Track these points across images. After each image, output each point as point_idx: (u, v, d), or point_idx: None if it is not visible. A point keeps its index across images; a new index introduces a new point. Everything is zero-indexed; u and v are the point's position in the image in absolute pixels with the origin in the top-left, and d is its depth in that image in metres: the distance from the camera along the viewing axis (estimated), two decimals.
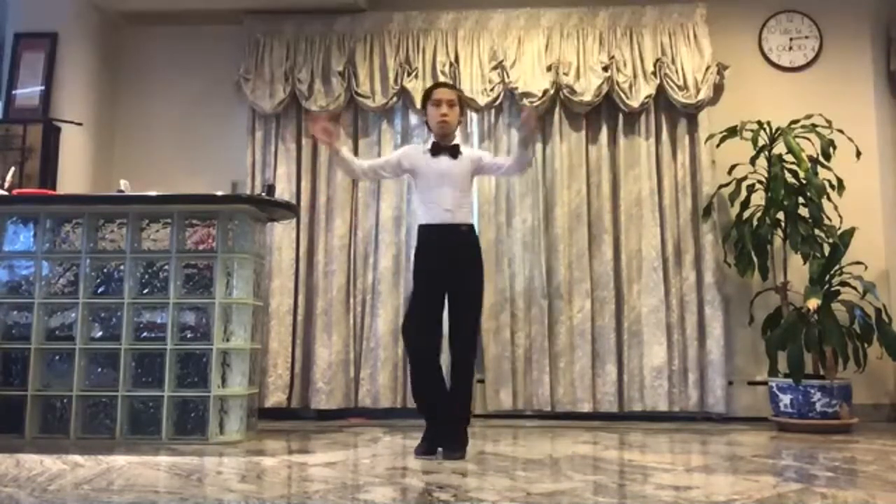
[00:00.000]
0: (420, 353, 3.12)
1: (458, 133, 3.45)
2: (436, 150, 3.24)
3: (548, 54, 4.72)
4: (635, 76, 4.65)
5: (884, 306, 4.09)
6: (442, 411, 3.13)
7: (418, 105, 4.66)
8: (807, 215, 4.28)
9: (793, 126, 4.30)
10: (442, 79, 4.69)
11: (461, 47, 4.77)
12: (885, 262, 4.57)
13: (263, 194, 3.87)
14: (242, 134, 4.87)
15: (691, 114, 4.64)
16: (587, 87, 4.62)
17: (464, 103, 3.46)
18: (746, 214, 4.36)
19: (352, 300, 4.65)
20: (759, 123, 4.35)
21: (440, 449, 3.09)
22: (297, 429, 4.04)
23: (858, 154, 4.27)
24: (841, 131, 4.29)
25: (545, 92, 4.62)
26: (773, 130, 4.34)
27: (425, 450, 3.10)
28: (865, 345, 4.07)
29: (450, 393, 3.13)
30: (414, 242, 4.54)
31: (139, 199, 3.66)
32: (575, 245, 4.60)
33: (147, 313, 3.63)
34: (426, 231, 3.21)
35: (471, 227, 3.23)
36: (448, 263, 3.14)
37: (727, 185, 4.45)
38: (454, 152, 3.24)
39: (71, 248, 3.69)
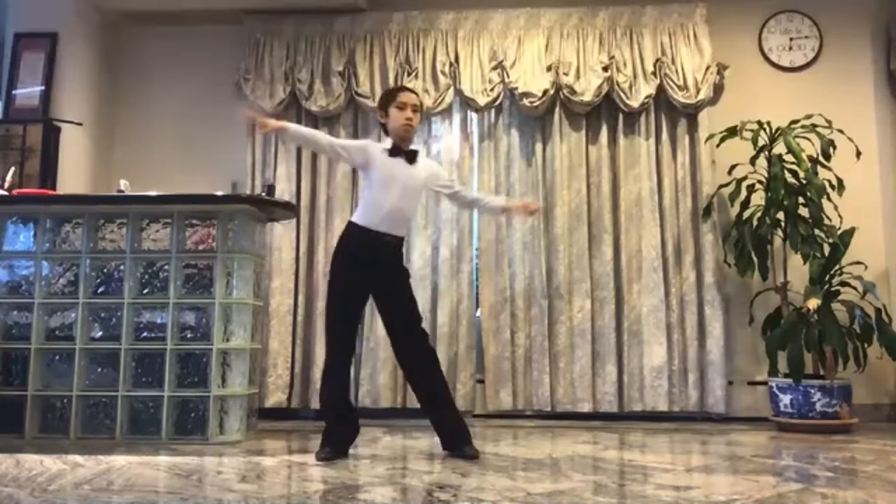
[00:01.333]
0: (344, 355, 3.13)
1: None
2: (394, 152, 3.17)
3: (548, 54, 4.72)
4: (635, 76, 4.65)
5: (884, 306, 4.09)
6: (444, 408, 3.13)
7: None
8: (807, 215, 4.28)
9: (793, 126, 4.30)
10: (442, 79, 4.70)
11: (461, 47, 4.77)
12: (885, 262, 4.57)
13: (263, 194, 3.88)
14: (242, 134, 4.86)
15: (691, 114, 4.64)
16: (587, 87, 4.62)
17: (423, 109, 3.46)
18: (746, 214, 4.36)
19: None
20: (759, 123, 4.35)
21: (447, 449, 3.09)
22: (297, 429, 4.04)
23: (858, 154, 4.27)
24: (841, 131, 4.29)
25: (545, 92, 4.62)
26: (773, 130, 4.34)
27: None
28: (865, 345, 4.07)
29: (438, 388, 3.12)
30: (415, 242, 4.65)
31: (139, 199, 3.66)
32: (575, 245, 4.60)
33: (147, 313, 3.63)
34: (359, 234, 3.12)
35: (402, 240, 3.21)
36: (375, 274, 3.10)
37: (727, 185, 4.45)
38: (411, 157, 3.19)
39: (71, 248, 3.69)
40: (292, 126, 3.28)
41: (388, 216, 3.10)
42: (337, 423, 3.11)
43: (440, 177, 3.37)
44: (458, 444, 3.07)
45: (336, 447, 3.05)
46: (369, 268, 3.09)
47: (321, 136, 3.33)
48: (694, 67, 4.62)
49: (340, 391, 3.14)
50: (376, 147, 3.24)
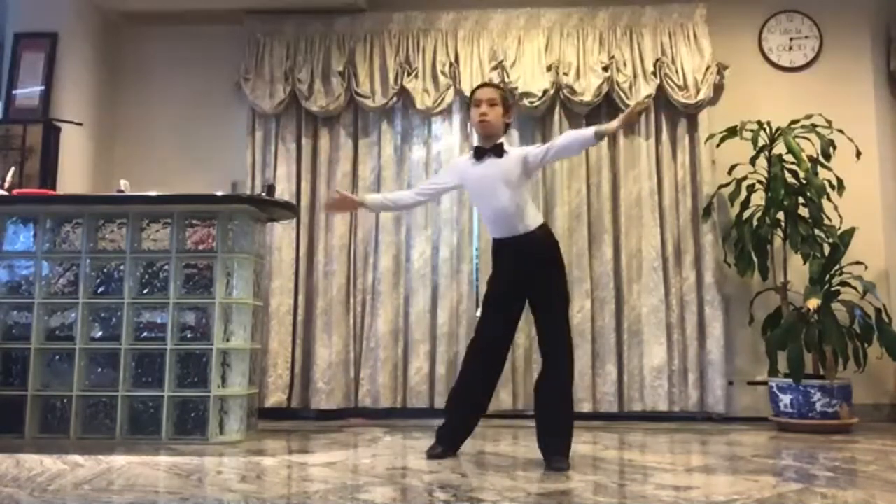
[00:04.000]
0: (476, 357, 3.10)
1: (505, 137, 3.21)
2: (479, 154, 3.09)
3: (548, 54, 4.72)
4: (635, 76, 4.65)
5: (884, 306, 4.10)
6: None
7: (418, 105, 4.68)
8: (807, 215, 4.28)
9: (793, 126, 4.30)
10: (442, 79, 4.70)
11: (461, 47, 4.77)
12: (885, 262, 4.57)
13: (263, 194, 3.87)
14: (242, 134, 4.87)
15: (691, 114, 4.65)
16: (587, 87, 4.62)
17: (509, 103, 3.23)
18: (746, 214, 4.36)
19: (352, 300, 4.65)
20: (759, 123, 4.35)
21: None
22: (297, 429, 4.04)
23: (858, 154, 4.27)
24: (841, 131, 4.29)
25: (545, 92, 4.62)
26: (773, 130, 4.34)
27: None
28: (865, 345, 4.07)
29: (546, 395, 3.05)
30: (415, 243, 4.65)
31: (139, 199, 3.66)
32: (575, 245, 4.60)
33: (147, 313, 3.63)
34: (498, 245, 3.09)
35: (539, 227, 3.03)
36: (525, 271, 3.01)
37: (727, 185, 4.45)
38: (498, 152, 3.06)
39: (71, 248, 3.69)
40: (367, 196, 3.37)
41: (495, 223, 3.06)
42: (451, 419, 3.13)
43: (529, 155, 3.05)
44: (547, 453, 2.94)
45: (445, 444, 3.09)
46: (511, 272, 3.04)
47: (406, 194, 3.34)
48: (694, 67, 4.62)
49: (462, 390, 3.12)
50: (462, 159, 3.23)
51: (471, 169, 3.11)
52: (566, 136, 3.02)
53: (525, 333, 4.54)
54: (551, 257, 3.03)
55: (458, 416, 3.14)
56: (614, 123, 2.92)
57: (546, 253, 3.03)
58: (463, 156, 3.36)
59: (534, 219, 3.05)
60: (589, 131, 2.93)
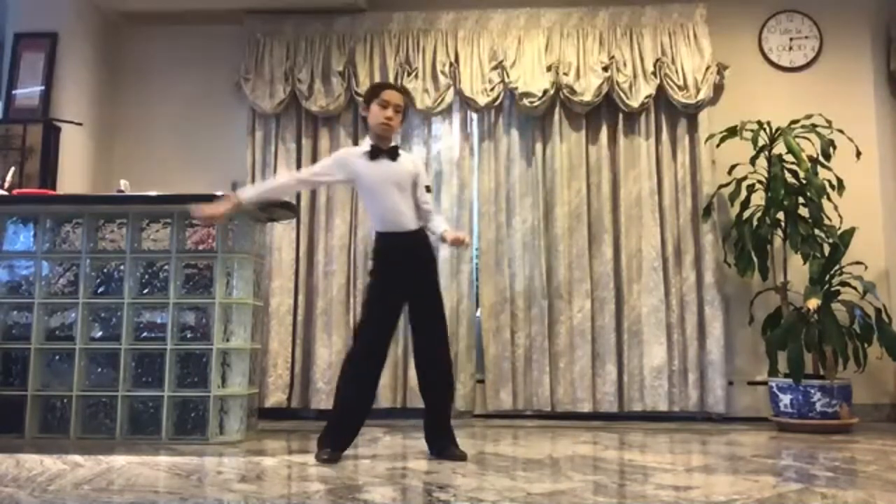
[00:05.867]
0: (379, 359, 3.08)
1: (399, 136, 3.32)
2: (374, 154, 3.09)
3: (548, 54, 4.72)
4: (635, 76, 4.65)
5: (884, 306, 4.10)
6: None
7: (418, 105, 4.68)
8: (807, 215, 4.28)
9: (793, 126, 4.30)
10: (442, 79, 4.70)
11: (461, 47, 4.77)
12: (885, 262, 4.57)
13: None
14: (242, 134, 4.87)
15: (691, 114, 4.65)
16: (587, 87, 4.62)
17: (407, 111, 3.36)
18: (746, 214, 4.36)
19: (352, 300, 4.65)
20: (759, 123, 4.35)
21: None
22: (297, 429, 4.03)
23: (858, 154, 4.27)
24: (841, 131, 4.29)
25: (545, 92, 4.62)
26: (773, 130, 4.34)
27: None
28: (865, 345, 4.07)
29: (442, 391, 3.12)
30: None
31: (139, 199, 3.66)
32: (575, 245, 4.60)
33: (147, 313, 3.63)
34: (388, 239, 3.10)
35: (417, 232, 3.13)
36: (412, 270, 3.08)
37: (727, 185, 4.44)
38: (393, 154, 3.11)
39: (71, 248, 3.69)
40: (244, 193, 3.17)
41: (390, 219, 3.08)
42: (345, 427, 3.07)
43: (421, 175, 3.21)
44: (449, 445, 3.04)
45: (337, 448, 3.02)
46: (400, 268, 3.07)
47: (283, 178, 3.29)
48: (694, 67, 4.62)
49: (366, 399, 3.08)
50: (354, 154, 3.16)
51: (364, 166, 3.10)
52: (434, 218, 3.21)
53: (525, 333, 4.55)
54: (433, 256, 3.17)
55: (359, 420, 3.11)
56: (449, 234, 3.15)
57: (429, 252, 3.15)
58: (353, 150, 3.31)
59: (418, 221, 3.14)
60: (439, 230, 3.16)
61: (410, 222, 3.11)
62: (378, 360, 3.08)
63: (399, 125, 3.21)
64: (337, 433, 3.04)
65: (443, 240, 3.16)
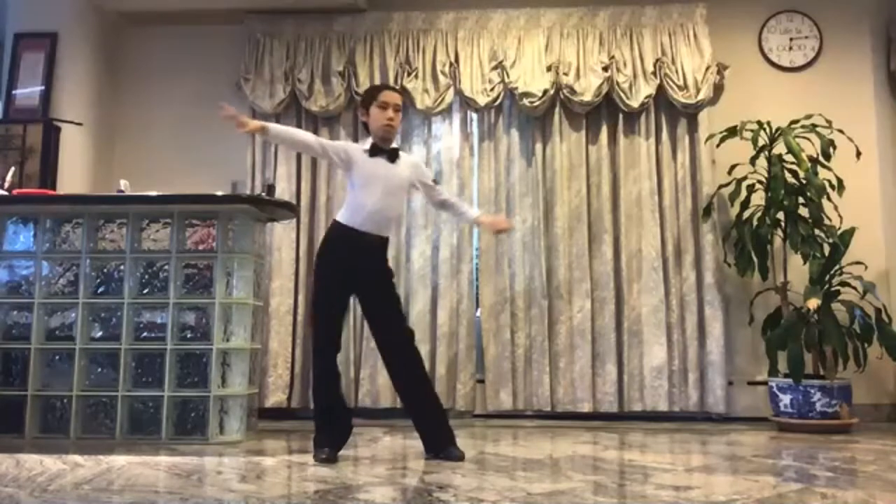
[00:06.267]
0: (333, 354, 3.10)
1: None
2: (374, 152, 3.11)
3: (548, 54, 4.72)
4: (635, 76, 4.65)
5: (884, 306, 4.10)
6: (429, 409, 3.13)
7: (418, 105, 4.68)
8: (807, 215, 4.28)
9: (793, 126, 4.30)
10: (442, 79, 4.70)
11: (461, 47, 4.77)
12: (885, 262, 4.57)
13: (263, 194, 3.87)
14: (242, 134, 4.85)
15: (691, 114, 4.65)
16: (587, 87, 4.62)
17: (406, 109, 3.36)
18: (746, 214, 4.36)
19: (351, 300, 4.63)
20: (759, 123, 4.35)
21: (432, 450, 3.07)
22: (297, 429, 4.03)
23: (858, 154, 4.27)
24: (841, 131, 4.29)
25: (545, 92, 4.62)
26: (773, 130, 4.34)
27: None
28: (865, 345, 4.07)
29: (422, 389, 3.12)
30: (415, 242, 4.65)
31: (139, 199, 3.66)
32: (575, 245, 4.60)
33: (147, 313, 3.63)
34: (343, 234, 3.09)
35: (386, 240, 3.16)
36: (358, 274, 3.08)
37: (727, 185, 4.44)
38: (392, 156, 3.13)
39: (71, 248, 3.69)
40: (273, 126, 3.18)
41: (371, 217, 3.07)
42: (332, 423, 3.07)
43: (423, 173, 3.29)
44: (442, 445, 3.03)
45: (334, 447, 3.03)
46: (353, 268, 3.07)
47: (305, 133, 3.30)
48: (694, 67, 4.62)
49: (335, 389, 3.12)
50: (356, 148, 3.18)
51: (362, 159, 3.11)
52: (456, 202, 3.35)
53: (525, 333, 4.55)
54: (387, 267, 3.20)
55: (345, 416, 3.14)
56: (486, 221, 3.31)
57: (385, 262, 3.19)
58: (357, 144, 3.33)
59: (392, 230, 3.21)
60: (473, 214, 3.33)
61: (386, 229, 3.16)
62: (335, 349, 3.12)
63: (399, 125, 3.24)
64: (327, 430, 3.06)
65: (477, 224, 3.18)
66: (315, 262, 3.22)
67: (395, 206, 3.20)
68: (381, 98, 3.12)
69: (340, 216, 3.14)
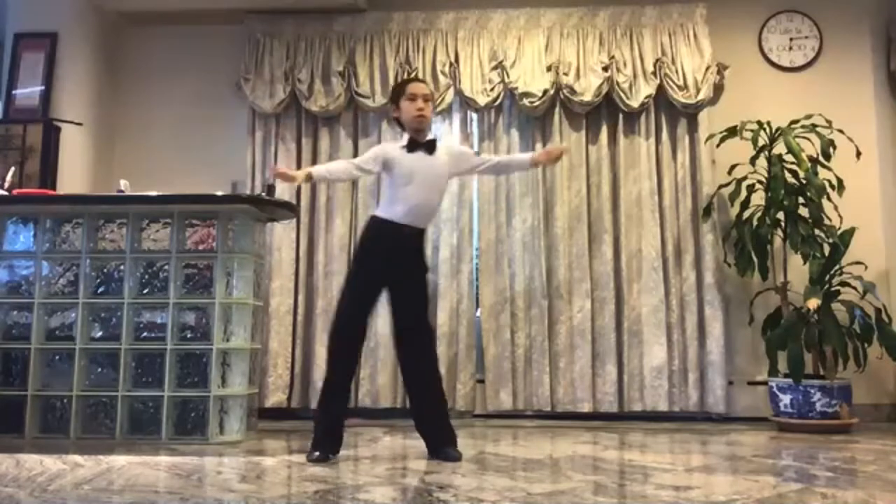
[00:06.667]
0: (356, 345, 3.10)
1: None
2: (412, 147, 3.10)
3: (548, 54, 4.72)
4: (635, 76, 4.65)
5: (884, 306, 4.09)
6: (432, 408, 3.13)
7: None
8: (807, 215, 4.28)
9: (793, 126, 4.30)
10: (442, 79, 4.70)
11: (461, 47, 4.77)
12: (885, 262, 4.57)
13: (263, 194, 3.87)
14: (242, 134, 4.87)
15: (691, 114, 4.65)
16: (587, 87, 4.62)
17: (434, 99, 3.40)
18: (746, 214, 4.36)
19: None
20: (759, 123, 4.35)
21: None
22: (297, 429, 4.03)
23: (858, 154, 4.27)
24: (841, 131, 4.29)
25: (545, 92, 4.62)
26: (773, 130, 4.34)
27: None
28: (865, 345, 4.07)
29: (431, 384, 3.12)
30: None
31: (139, 199, 3.66)
32: (575, 245, 4.60)
33: (147, 313, 3.63)
34: (380, 226, 3.09)
35: (423, 231, 3.16)
36: (396, 263, 3.08)
37: (727, 185, 4.44)
38: (430, 147, 3.13)
39: (71, 248, 3.69)
40: (315, 170, 3.19)
41: (412, 210, 3.07)
42: (332, 435, 3.05)
43: (467, 157, 3.30)
44: (442, 445, 3.03)
45: (330, 448, 3.02)
46: (392, 259, 3.07)
47: (339, 164, 3.35)
48: (694, 67, 4.62)
49: (343, 406, 3.10)
50: (393, 147, 3.19)
51: (401, 155, 3.11)
52: (508, 157, 3.39)
53: (525, 333, 4.55)
54: (423, 261, 3.22)
55: (340, 414, 3.12)
56: (541, 156, 3.31)
57: (423, 255, 3.21)
58: (391, 143, 3.36)
59: (427, 221, 3.22)
60: (526, 157, 3.39)
61: (426, 220, 3.19)
62: (359, 344, 3.13)
63: (431, 114, 3.22)
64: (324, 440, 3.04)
65: (535, 164, 3.31)
66: (356, 252, 3.24)
67: (437, 197, 3.18)
68: (408, 91, 3.14)
69: (379, 211, 3.16)
